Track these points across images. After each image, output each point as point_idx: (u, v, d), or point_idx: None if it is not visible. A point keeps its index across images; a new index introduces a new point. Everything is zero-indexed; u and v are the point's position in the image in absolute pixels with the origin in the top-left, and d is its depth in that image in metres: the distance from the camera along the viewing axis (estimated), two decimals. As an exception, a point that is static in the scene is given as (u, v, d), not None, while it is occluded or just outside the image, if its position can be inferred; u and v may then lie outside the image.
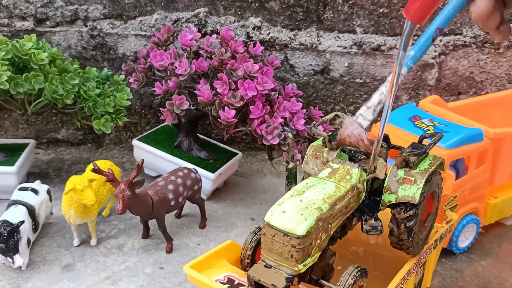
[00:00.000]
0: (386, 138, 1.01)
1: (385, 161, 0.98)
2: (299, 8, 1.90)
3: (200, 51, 1.59)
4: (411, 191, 0.90)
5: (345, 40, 1.96)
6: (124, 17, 1.86)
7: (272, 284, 0.77)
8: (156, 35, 1.65)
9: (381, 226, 0.93)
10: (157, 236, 1.50)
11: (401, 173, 0.93)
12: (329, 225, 0.82)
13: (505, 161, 1.55)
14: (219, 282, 0.79)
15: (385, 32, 1.98)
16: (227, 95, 1.44)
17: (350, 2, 1.90)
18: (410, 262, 0.97)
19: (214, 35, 1.62)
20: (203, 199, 1.55)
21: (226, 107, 1.44)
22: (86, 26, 1.85)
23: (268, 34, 1.91)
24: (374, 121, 1.03)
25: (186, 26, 1.78)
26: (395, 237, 0.93)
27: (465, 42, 2.01)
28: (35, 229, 1.38)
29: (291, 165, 0.91)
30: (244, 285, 0.80)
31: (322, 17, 1.93)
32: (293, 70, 1.97)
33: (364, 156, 0.95)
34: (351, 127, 0.92)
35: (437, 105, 1.64)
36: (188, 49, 1.59)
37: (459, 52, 2.03)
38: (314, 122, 1.35)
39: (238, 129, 1.50)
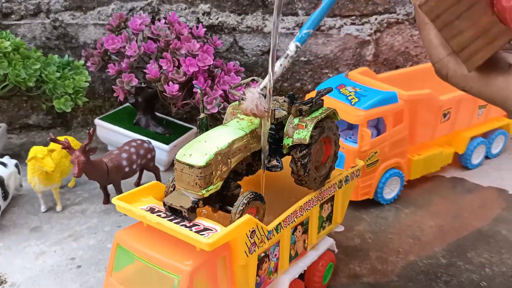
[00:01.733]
0: (292, 97, 1.20)
1: (288, 114, 1.16)
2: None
3: (147, 33, 1.77)
4: (303, 134, 1.09)
5: (288, 22, 2.15)
6: (83, 8, 2.04)
7: (181, 206, 0.96)
8: (110, 22, 1.83)
9: (281, 164, 1.12)
10: (117, 201, 1.69)
11: (296, 120, 1.12)
12: (229, 160, 1.01)
13: (421, 121, 1.75)
14: (142, 209, 0.98)
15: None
16: (171, 72, 1.62)
17: (290, -14, 2.09)
18: (310, 194, 1.16)
19: (162, 20, 1.81)
20: (157, 167, 1.73)
21: (170, 82, 1.62)
22: (49, 18, 2.02)
23: (217, 19, 2.09)
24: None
25: (138, 13, 1.95)
26: (295, 174, 1.12)
27: (398, 19, 2.20)
28: (4, 197, 1.56)
29: (202, 115, 1.10)
30: (162, 212, 0.99)
31: (266, 2, 2.11)
32: (242, 51, 2.16)
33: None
34: (257, 100, 0.99)
35: (366, 76, 1.83)
36: (138, 33, 1.77)
37: (393, 29, 2.22)
38: (231, 85, 1.53)
39: (184, 102, 1.68)
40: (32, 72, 1.70)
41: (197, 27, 1.79)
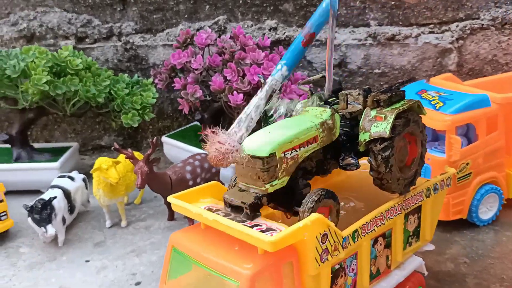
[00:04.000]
0: (368, 90, 1.07)
1: (363, 108, 1.03)
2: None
3: (214, 49, 1.74)
4: (382, 127, 0.95)
5: (360, 34, 2.03)
6: (153, 30, 2.08)
7: (242, 202, 0.85)
8: (177, 39, 1.83)
9: (357, 162, 0.98)
10: (181, 219, 1.62)
11: (373, 112, 0.98)
12: (296, 153, 0.89)
13: (520, 127, 1.52)
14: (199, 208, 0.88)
15: (400, 23, 2.03)
16: (236, 81, 1.56)
17: (360, -5, 1.99)
18: (394, 200, 1.00)
19: (228, 34, 1.77)
20: (222, 183, 1.65)
21: (235, 92, 1.56)
22: (120, 40, 2.07)
23: (284, 33, 2.03)
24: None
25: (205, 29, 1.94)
26: (375, 171, 0.97)
27: (482, 25, 2.01)
28: (71, 210, 1.54)
29: (265, 107, 1.00)
30: (220, 210, 0.88)
31: (336, 15, 2.02)
32: (310, 65, 2.06)
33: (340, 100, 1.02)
34: (223, 142, 0.84)
35: (451, 82, 1.65)
36: (204, 47, 1.74)
37: (478, 35, 2.02)
38: (299, 81, 1.42)
39: (249, 113, 1.60)
40: (102, 88, 1.71)
41: (262, 38, 1.73)
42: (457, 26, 2.02)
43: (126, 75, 1.85)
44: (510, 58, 2.06)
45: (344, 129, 1.02)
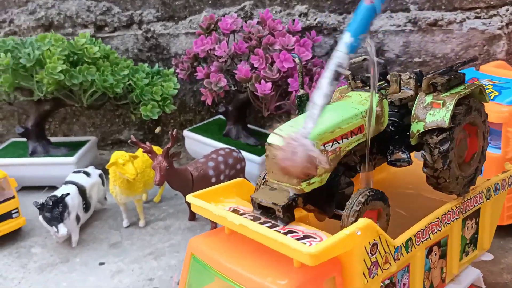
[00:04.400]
0: (420, 74, 0.92)
1: (415, 94, 0.88)
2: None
3: (240, 34, 1.60)
4: (440, 115, 0.79)
5: (399, 19, 1.86)
6: (175, 18, 1.95)
7: (273, 203, 0.71)
8: (200, 25, 1.70)
9: (409, 157, 0.83)
10: (203, 219, 1.49)
11: (429, 98, 0.83)
12: (338, 145, 0.75)
13: None
14: (223, 209, 0.75)
15: (443, 7, 1.85)
16: (264, 69, 1.42)
17: (399, -23, 1.82)
18: (451, 203, 0.85)
19: (255, 20, 1.63)
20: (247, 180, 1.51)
21: (262, 81, 1.42)
22: (141, 29, 1.96)
23: (315, 19, 1.88)
24: None
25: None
26: (429, 168, 0.82)
27: (537, 7, 1.81)
28: (86, 208, 1.44)
29: (301, 91, 0.85)
30: (248, 213, 0.74)
31: (371, -2, 1.86)
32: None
33: (387, 84, 0.87)
34: (311, 152, 0.66)
35: (504, 69, 1.48)
36: (229, 34, 1.61)
37: (531, 19, 1.82)
38: None
39: (277, 103, 1.46)
40: (120, 78, 1.60)
41: (293, 22, 1.58)
42: (507, 10, 1.83)
43: (146, 65, 1.73)
44: None
45: (392, 118, 0.87)
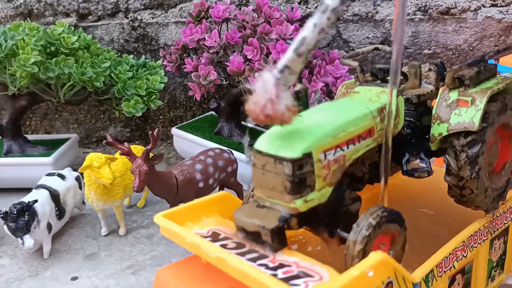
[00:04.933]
0: (441, 65, 0.77)
1: (436, 89, 0.73)
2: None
3: (233, 22, 1.45)
4: (468, 115, 0.65)
5: (407, 7, 1.71)
6: (164, 6, 1.80)
7: (260, 226, 0.56)
8: (189, 13, 1.55)
9: (429, 166, 0.68)
10: (191, 226, 1.34)
11: (454, 95, 0.68)
12: (342, 153, 0.60)
13: None
14: (199, 235, 0.60)
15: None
16: (258, 61, 1.27)
17: (409, -39, 1.66)
18: (479, 221, 0.70)
19: (250, 6, 1.48)
20: (240, 184, 1.37)
21: (257, 74, 1.26)
22: (127, 17, 1.81)
23: (316, 7, 1.72)
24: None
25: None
26: (453, 176, 0.67)
27: (560, -6, 1.65)
28: (59, 215, 1.29)
29: (298, 86, 0.70)
30: (231, 238, 0.60)
31: (378, -16, 1.70)
32: (347, 45, 1.75)
33: (403, 78, 0.72)
34: (271, 89, 0.55)
35: (525, 62, 1.32)
36: (221, 22, 1.46)
37: (553, 7, 1.67)
38: (344, 54, 1.11)
39: (274, 100, 1.31)
40: (100, 70, 1.45)
41: (291, 10, 1.43)
42: (526, -3, 1.67)
43: (131, 56, 1.58)
44: None
45: (408, 118, 0.72)
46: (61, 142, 1.66)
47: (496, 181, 0.73)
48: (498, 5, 1.69)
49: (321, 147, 0.59)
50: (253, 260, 0.55)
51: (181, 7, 1.80)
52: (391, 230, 0.60)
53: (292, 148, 0.58)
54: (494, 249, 0.79)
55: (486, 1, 1.69)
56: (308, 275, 0.51)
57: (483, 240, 0.72)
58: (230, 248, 0.57)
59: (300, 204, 0.58)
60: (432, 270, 0.61)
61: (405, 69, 0.83)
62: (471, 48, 1.73)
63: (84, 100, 1.60)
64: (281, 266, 0.54)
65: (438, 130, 0.68)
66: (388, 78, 0.73)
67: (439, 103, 0.69)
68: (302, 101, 0.70)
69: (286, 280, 0.51)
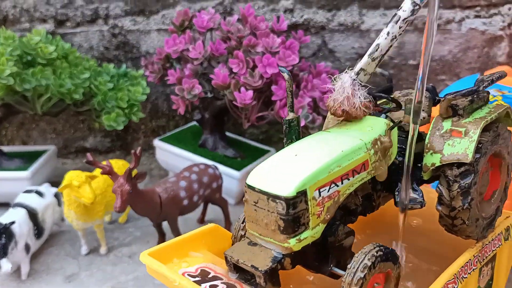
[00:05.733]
0: (433, 90, 0.76)
1: (428, 116, 0.72)
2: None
3: (217, 32, 1.41)
4: (462, 147, 0.63)
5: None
6: (146, 12, 1.75)
7: (253, 266, 0.54)
8: (172, 21, 1.51)
9: (422, 197, 0.67)
10: (175, 243, 1.31)
11: (447, 124, 0.66)
12: (336, 189, 0.58)
13: None
14: (188, 275, 0.57)
15: (440, 5, 1.69)
16: (244, 75, 1.24)
17: (394, -29, 1.65)
18: (469, 252, 0.69)
19: (235, 16, 1.45)
20: (225, 200, 1.34)
21: (242, 88, 1.24)
22: (107, 24, 1.75)
23: (302, 16, 1.70)
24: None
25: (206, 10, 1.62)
26: (445, 206, 0.66)
27: (541, 7, 1.67)
28: (38, 234, 1.24)
29: (290, 115, 0.68)
30: (221, 279, 0.57)
31: (364, -7, 1.69)
32: (332, 55, 1.74)
33: (396, 106, 0.70)
34: (349, 89, 0.65)
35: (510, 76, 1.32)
36: (205, 32, 1.42)
37: (534, 19, 1.68)
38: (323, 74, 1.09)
39: (260, 114, 1.29)
40: (79, 82, 1.40)
41: (277, 20, 1.40)
42: (509, 9, 1.69)
43: (112, 65, 1.53)
44: None
45: (400, 145, 0.70)
46: (39, 154, 1.61)
47: (486, 209, 0.72)
48: (481, 16, 1.69)
49: (315, 184, 0.57)
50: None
51: (163, 14, 1.75)
52: (386, 268, 0.59)
53: (286, 185, 0.55)
54: (482, 276, 0.78)
55: (470, 13, 1.69)
56: (304, 326, 0.49)
57: (473, 269, 0.71)
58: (220, 293, 0.54)
59: (293, 244, 0.56)
60: (426, 310, 0.60)
61: (396, 94, 0.82)
62: (455, 59, 1.73)
63: (61, 112, 1.54)
64: (275, 313, 0.52)
65: (431, 160, 0.66)
66: (384, 105, 0.72)
67: (432, 132, 0.68)
68: (294, 129, 0.67)
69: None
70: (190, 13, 1.49)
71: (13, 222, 1.12)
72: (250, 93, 1.22)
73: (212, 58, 1.38)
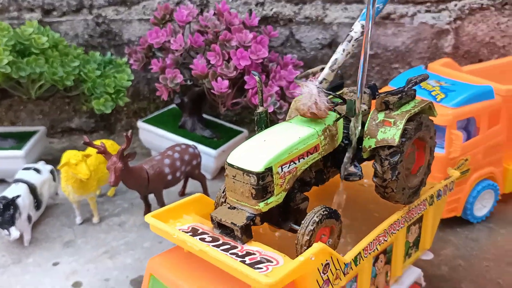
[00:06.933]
0: (374, 87, 0.95)
1: (368, 108, 0.92)
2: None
3: (195, 26, 1.58)
4: (391, 133, 0.84)
5: (353, 11, 1.89)
6: (127, 3, 1.88)
7: (232, 223, 0.74)
8: (154, 15, 1.66)
9: (361, 171, 0.87)
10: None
11: (381, 116, 0.87)
12: (294, 166, 0.78)
13: (523, 121, 1.43)
14: (182, 231, 0.76)
15: (395, 0, 1.89)
16: (220, 66, 1.41)
17: (354, -30, 1.84)
18: (397, 213, 0.90)
19: (211, 11, 1.61)
20: (203, 175, 1.53)
21: (219, 78, 1.41)
22: (92, 14, 1.88)
23: (271, 9, 1.87)
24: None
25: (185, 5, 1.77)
26: (379, 178, 0.87)
27: (482, 5, 1.89)
28: (37, 206, 1.40)
29: (260, 109, 0.87)
30: (207, 233, 0.76)
31: (327, -11, 1.87)
32: (299, 45, 1.92)
33: (342, 102, 0.90)
34: (316, 97, 0.81)
35: (449, 68, 1.54)
36: (184, 25, 1.58)
37: (476, 16, 1.91)
38: (297, 74, 1.29)
39: (234, 101, 1.47)
40: (70, 70, 1.54)
41: (249, 16, 1.57)
42: (455, 5, 1.90)
43: (98, 53, 1.67)
44: (508, 41, 1.96)
45: (346, 131, 0.90)
46: (30, 134, 1.74)
47: (412, 180, 0.93)
48: (431, 11, 1.91)
49: (279, 162, 0.76)
50: (226, 250, 0.72)
51: (144, 5, 1.89)
52: (330, 223, 0.79)
53: (257, 163, 0.74)
54: (411, 233, 1.00)
55: (421, 8, 1.90)
56: (268, 261, 0.69)
57: (401, 227, 0.92)
58: (207, 241, 0.74)
59: (262, 206, 0.75)
60: (359, 253, 0.81)
61: (345, 90, 1.01)
62: (407, 50, 1.94)
63: (52, 96, 1.68)
64: (248, 254, 0.71)
65: (368, 143, 0.86)
66: (333, 100, 0.91)
67: (370, 122, 0.88)
68: (263, 120, 0.87)
69: (252, 265, 0.69)
70: (170, 7, 1.64)
71: (18, 196, 1.28)
72: (226, 82, 1.40)
73: (191, 49, 1.55)
